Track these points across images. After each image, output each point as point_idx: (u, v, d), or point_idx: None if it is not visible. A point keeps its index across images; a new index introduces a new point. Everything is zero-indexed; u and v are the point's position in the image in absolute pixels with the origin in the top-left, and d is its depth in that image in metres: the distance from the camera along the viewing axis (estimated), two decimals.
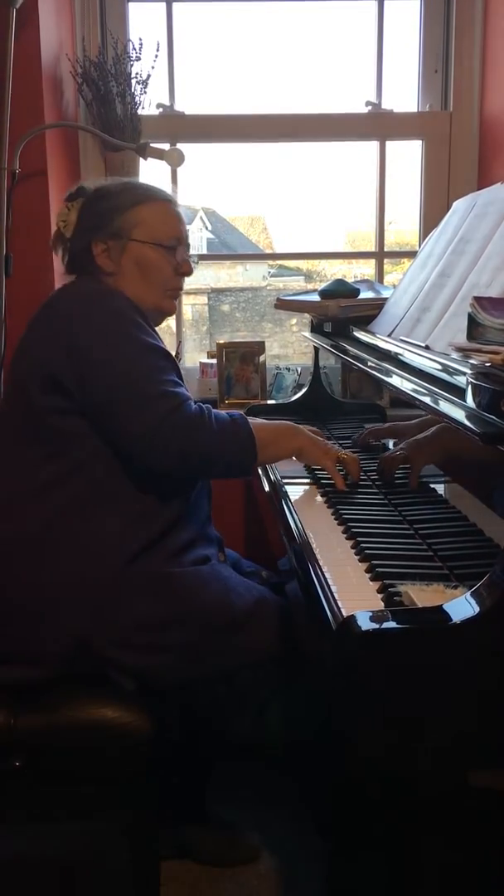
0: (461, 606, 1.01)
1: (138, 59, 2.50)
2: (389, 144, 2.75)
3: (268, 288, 3.32)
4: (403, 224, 2.95)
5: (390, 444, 2.03)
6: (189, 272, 1.73)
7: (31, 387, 1.54)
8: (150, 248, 1.66)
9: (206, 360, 2.75)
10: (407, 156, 2.79)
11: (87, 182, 1.77)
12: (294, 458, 1.74)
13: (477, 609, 1.00)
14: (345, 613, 1.12)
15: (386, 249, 2.84)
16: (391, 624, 1.01)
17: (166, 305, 1.72)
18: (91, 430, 1.54)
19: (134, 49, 2.49)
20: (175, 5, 2.68)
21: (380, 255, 2.83)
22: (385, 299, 2.05)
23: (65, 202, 1.75)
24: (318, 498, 1.71)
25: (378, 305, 2.04)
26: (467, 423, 1.13)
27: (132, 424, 1.50)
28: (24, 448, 1.56)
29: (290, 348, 3.21)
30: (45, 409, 1.54)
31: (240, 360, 2.67)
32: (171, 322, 2.91)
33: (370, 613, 1.03)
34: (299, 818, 1.94)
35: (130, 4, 2.66)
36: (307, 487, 1.80)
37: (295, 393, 2.57)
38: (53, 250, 1.78)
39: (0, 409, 1.67)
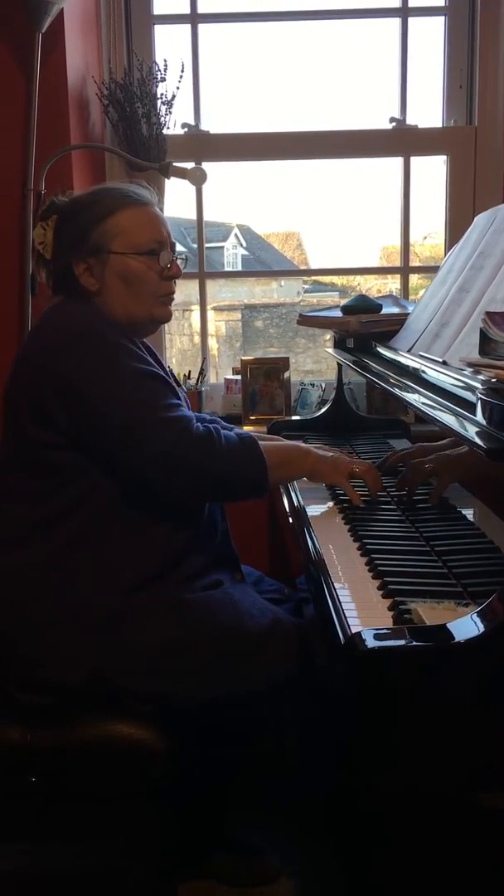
0: (466, 626, 1.00)
1: (163, 79, 2.52)
2: (424, 157, 2.75)
3: (301, 304, 3.32)
4: (441, 237, 2.93)
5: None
6: (177, 274, 1.64)
7: (25, 420, 1.52)
8: (131, 258, 1.58)
9: (230, 376, 2.76)
10: (442, 168, 2.78)
11: (58, 197, 1.68)
12: (307, 479, 1.72)
13: (482, 628, 0.98)
14: (353, 631, 1.11)
15: (422, 263, 2.83)
16: (394, 642, 1.00)
17: (159, 313, 1.64)
18: (89, 464, 1.51)
19: (159, 70, 2.52)
20: (200, 26, 2.71)
21: (405, 269, 2.82)
22: (407, 314, 2.04)
23: (39, 222, 1.67)
24: (336, 515, 1.70)
25: (399, 321, 2.03)
26: (476, 439, 1.11)
27: (140, 454, 1.47)
28: (30, 478, 1.54)
29: (324, 363, 3.21)
30: (41, 444, 1.52)
31: (264, 377, 2.67)
32: (196, 339, 2.93)
33: (375, 631, 1.02)
34: (319, 836, 1.91)
35: (156, 26, 2.70)
36: (326, 504, 1.78)
37: (319, 409, 2.56)
38: (37, 274, 1.72)
39: (5, 437, 1.62)
